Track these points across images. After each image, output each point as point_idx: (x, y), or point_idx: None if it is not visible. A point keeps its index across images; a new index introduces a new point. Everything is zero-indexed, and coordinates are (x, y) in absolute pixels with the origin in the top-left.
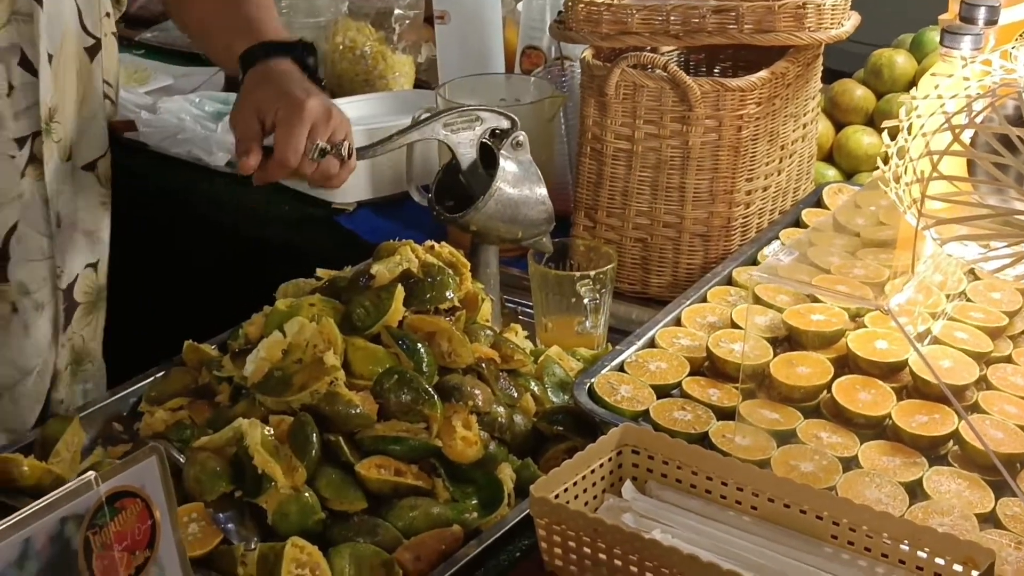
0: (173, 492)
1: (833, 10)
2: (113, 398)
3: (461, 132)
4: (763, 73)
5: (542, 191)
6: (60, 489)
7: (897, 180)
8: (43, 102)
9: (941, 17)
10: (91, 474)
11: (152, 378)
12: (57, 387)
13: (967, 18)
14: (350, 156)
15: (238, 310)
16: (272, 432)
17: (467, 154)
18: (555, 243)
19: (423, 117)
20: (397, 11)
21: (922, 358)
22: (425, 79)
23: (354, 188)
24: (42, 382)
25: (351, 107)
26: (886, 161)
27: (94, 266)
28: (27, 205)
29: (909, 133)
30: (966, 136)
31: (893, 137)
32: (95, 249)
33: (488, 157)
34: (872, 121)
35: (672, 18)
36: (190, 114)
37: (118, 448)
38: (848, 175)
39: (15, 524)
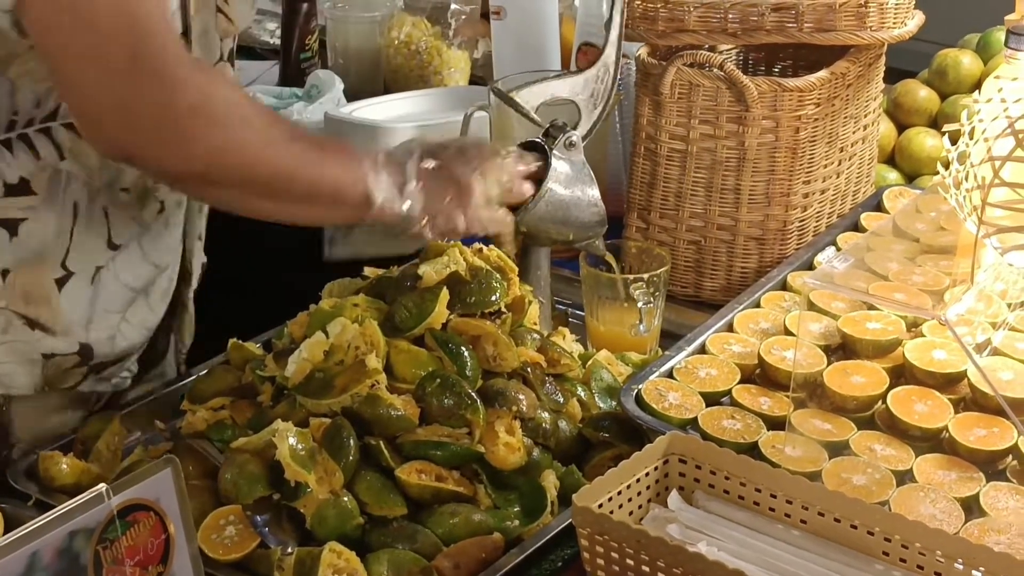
0: (189, 505)
1: (896, 9)
2: (155, 396)
3: None
4: (822, 73)
5: (595, 193)
6: (69, 502)
7: (958, 186)
8: None
9: (1007, 17)
10: (102, 486)
11: (195, 376)
12: (189, 289)
13: None
14: None
15: (287, 307)
16: (301, 444)
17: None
18: (607, 244)
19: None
20: (453, 6)
21: (979, 370)
22: (481, 75)
23: None
24: (171, 283)
25: (405, 103)
26: (947, 166)
27: None
28: None
29: (971, 138)
30: None
31: (954, 141)
32: None
33: (541, 157)
34: (936, 123)
35: (730, 16)
36: None
37: (160, 447)
38: (910, 178)
39: (21, 538)
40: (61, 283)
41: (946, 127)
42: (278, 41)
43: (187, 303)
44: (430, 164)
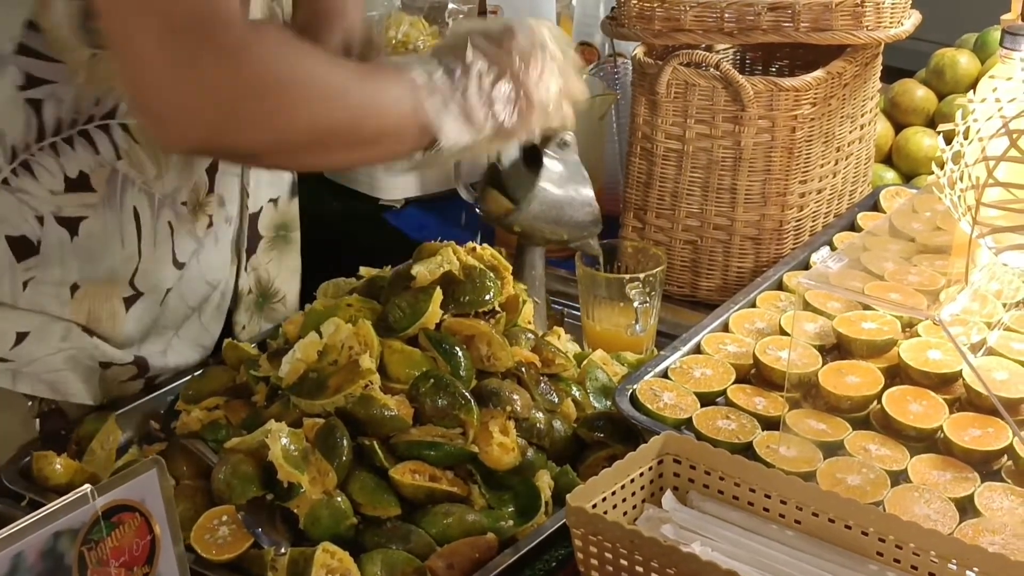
0: (175, 505)
1: (893, 8)
2: (150, 396)
3: None
4: (819, 73)
5: (589, 193)
6: (54, 503)
7: (952, 186)
8: None
9: (1003, 17)
10: (87, 487)
11: (190, 376)
12: (239, 310)
13: None
14: None
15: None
16: (294, 445)
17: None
18: (603, 244)
19: None
20: (451, 5)
21: (974, 371)
22: None
23: (402, 184)
24: (223, 300)
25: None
26: (942, 166)
27: (275, 201)
28: None
29: (965, 137)
30: None
31: (949, 141)
32: (276, 184)
33: (534, 157)
34: (933, 122)
35: (726, 15)
36: None
37: (154, 447)
38: (907, 177)
39: (5, 539)
40: (129, 302)
41: (941, 127)
42: None
43: (237, 325)
44: (480, 64)
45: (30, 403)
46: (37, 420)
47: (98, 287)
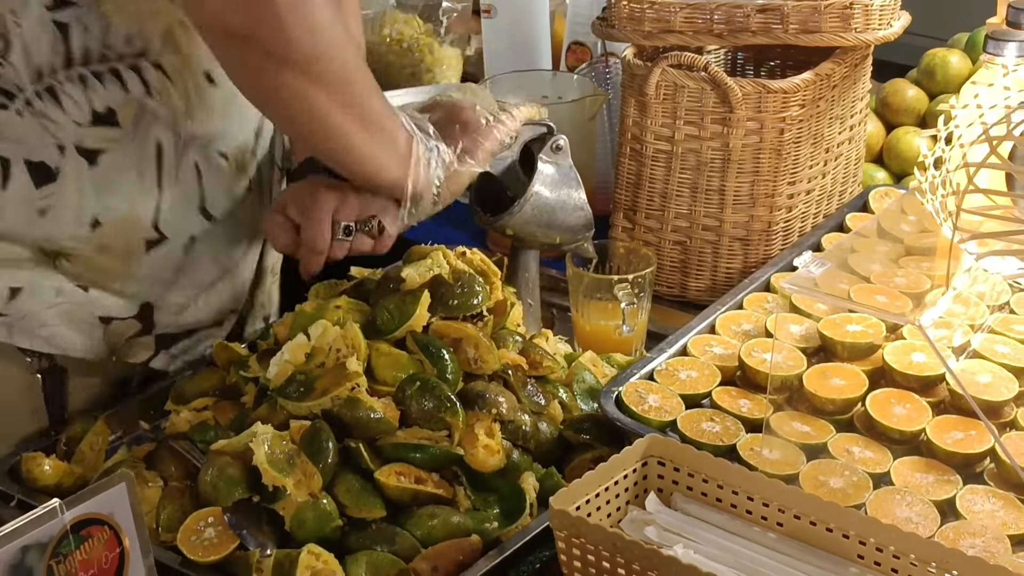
0: (144, 518)
1: (882, 10)
2: (140, 396)
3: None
4: (807, 75)
5: (581, 197)
6: (22, 517)
7: (934, 191)
8: None
9: (989, 21)
10: (55, 501)
11: (181, 376)
12: (261, 286)
13: (1014, 23)
14: (381, 232)
15: (279, 305)
16: (279, 449)
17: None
18: (594, 244)
19: None
20: (445, 3)
21: (953, 377)
22: (473, 72)
23: None
24: (253, 263)
25: (395, 100)
26: (924, 170)
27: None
28: None
29: (947, 143)
30: (1005, 148)
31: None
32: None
33: (528, 160)
34: (924, 122)
35: (716, 17)
36: None
37: (143, 447)
38: (898, 177)
39: None
40: (151, 245)
41: (924, 132)
42: None
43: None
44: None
45: (29, 359)
46: (39, 376)
47: (118, 224)
